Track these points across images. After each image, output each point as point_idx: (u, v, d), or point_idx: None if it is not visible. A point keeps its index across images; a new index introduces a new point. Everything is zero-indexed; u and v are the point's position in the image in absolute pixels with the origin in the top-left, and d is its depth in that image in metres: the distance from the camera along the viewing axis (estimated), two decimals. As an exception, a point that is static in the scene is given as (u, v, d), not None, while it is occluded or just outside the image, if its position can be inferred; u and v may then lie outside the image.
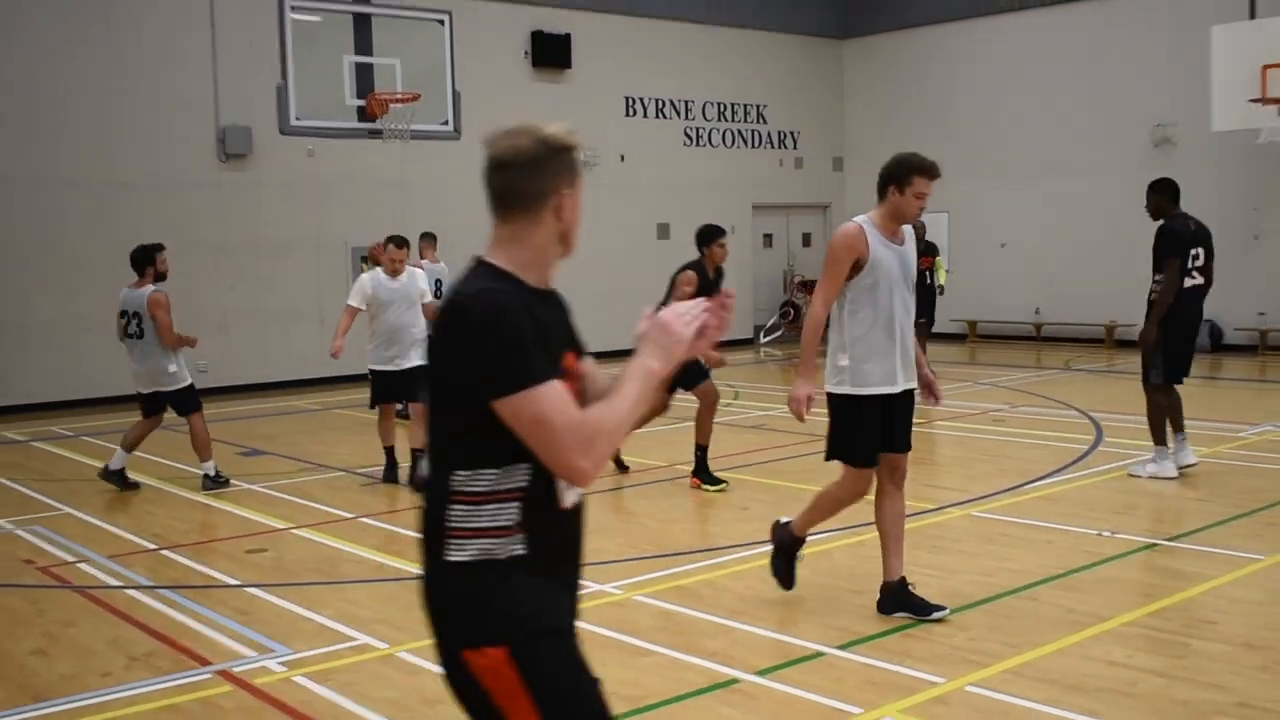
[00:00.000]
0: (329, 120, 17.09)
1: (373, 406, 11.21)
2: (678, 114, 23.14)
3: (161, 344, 10.73)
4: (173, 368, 10.82)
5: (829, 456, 6.85)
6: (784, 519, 7.16)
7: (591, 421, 2.75)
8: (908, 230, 6.73)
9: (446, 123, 17.32)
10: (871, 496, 6.80)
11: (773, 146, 24.65)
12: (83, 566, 8.38)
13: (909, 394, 6.74)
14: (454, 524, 2.81)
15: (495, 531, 2.80)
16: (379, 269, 11.11)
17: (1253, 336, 20.10)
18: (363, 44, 17.31)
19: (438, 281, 15.90)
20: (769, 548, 7.23)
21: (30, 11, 16.44)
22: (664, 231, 22.86)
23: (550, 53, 21.06)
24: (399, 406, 11.99)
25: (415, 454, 10.78)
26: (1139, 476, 10.25)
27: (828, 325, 6.70)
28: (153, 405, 10.95)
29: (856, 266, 6.50)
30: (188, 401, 10.97)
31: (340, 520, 9.56)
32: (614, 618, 6.84)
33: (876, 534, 6.86)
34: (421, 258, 15.94)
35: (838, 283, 6.55)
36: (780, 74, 24.50)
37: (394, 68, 17.15)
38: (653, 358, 2.92)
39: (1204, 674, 5.73)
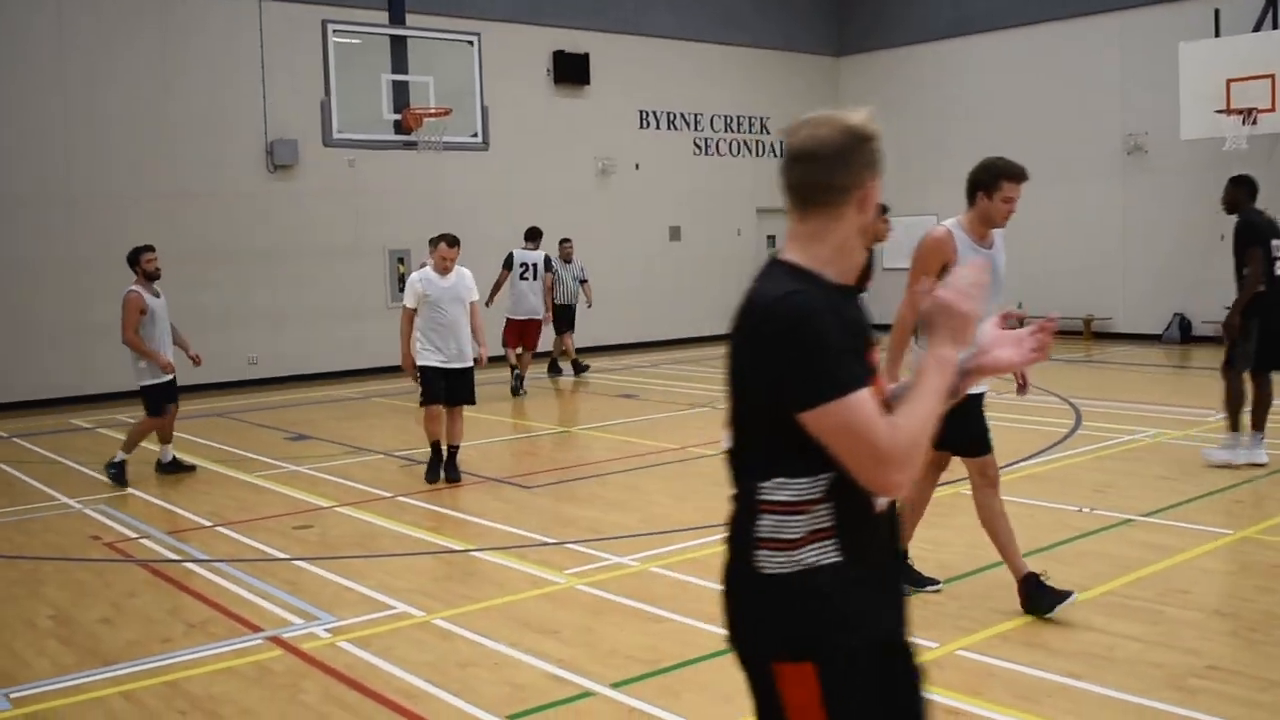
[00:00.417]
0: (368, 133, 17.02)
1: (424, 404, 10.23)
2: (688, 125, 23.06)
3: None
4: (141, 364, 10.50)
5: (952, 448, 6.47)
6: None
7: (902, 431, 2.38)
8: (998, 234, 6.33)
9: (476, 135, 17.24)
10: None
11: (775, 155, 24.53)
12: (144, 542, 8.38)
13: (979, 398, 6.44)
14: (764, 534, 2.48)
15: (807, 540, 2.45)
16: (428, 267, 10.35)
17: (1218, 329, 19.93)
18: (399, 63, 17.23)
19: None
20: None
21: (94, 38, 16.44)
22: (675, 234, 22.81)
23: (570, 70, 21.03)
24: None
25: (440, 448, 10.21)
26: (1211, 461, 9.72)
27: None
28: None
29: (943, 270, 6.00)
30: (145, 402, 10.61)
31: (379, 499, 9.54)
32: (632, 587, 6.80)
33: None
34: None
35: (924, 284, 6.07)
36: (782, 88, 24.40)
37: (428, 85, 17.07)
38: (943, 344, 2.53)
39: (1177, 639, 5.67)
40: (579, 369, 17.75)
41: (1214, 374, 16.98)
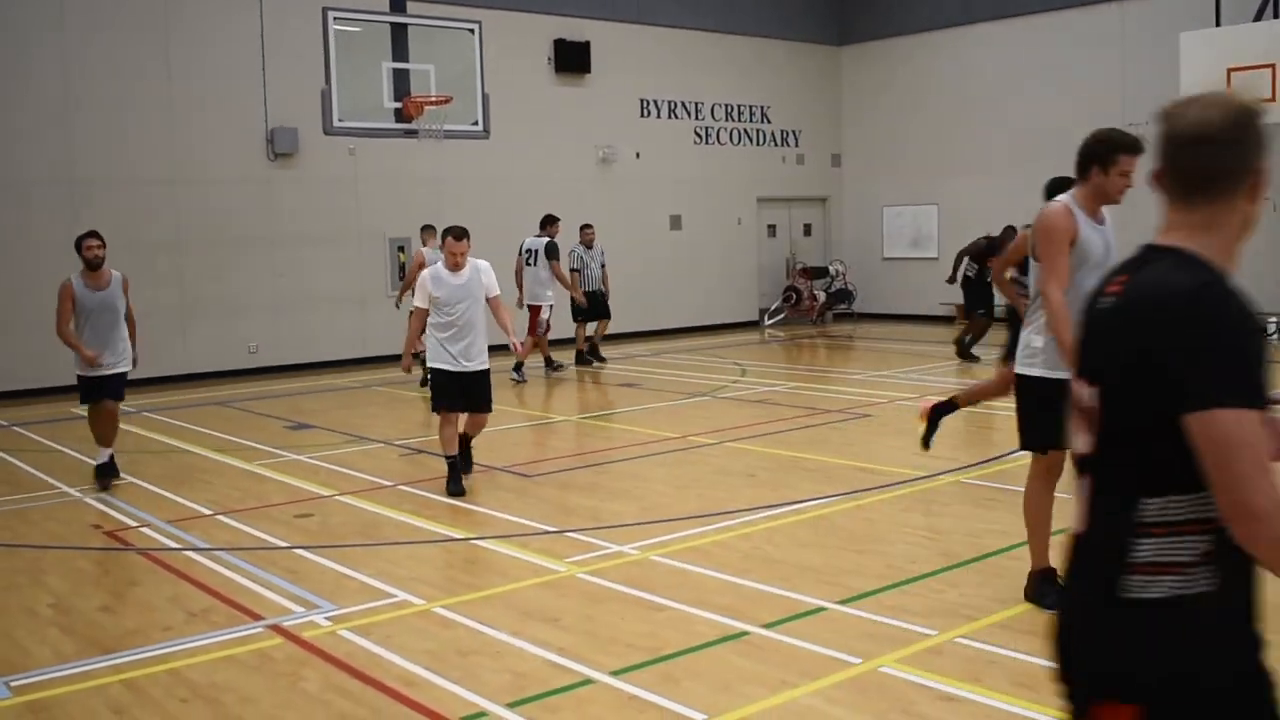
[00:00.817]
0: (369, 121, 17.03)
1: (436, 410, 9.34)
2: (688, 114, 23.02)
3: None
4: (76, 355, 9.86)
5: (1023, 445, 6.17)
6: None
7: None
8: (1107, 211, 5.96)
9: (477, 123, 17.23)
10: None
11: (775, 144, 24.50)
12: (145, 531, 8.38)
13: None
14: (1141, 559, 2.21)
15: (1183, 566, 2.19)
16: (439, 264, 9.38)
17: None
18: (399, 51, 17.22)
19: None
20: (780, 509, 7.15)
21: (94, 24, 16.41)
22: (676, 223, 22.78)
23: (571, 58, 20.98)
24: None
25: (458, 462, 9.36)
26: None
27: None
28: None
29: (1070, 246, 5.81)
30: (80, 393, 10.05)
31: (380, 488, 9.54)
32: (632, 576, 6.80)
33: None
34: (424, 246, 15.97)
35: (1065, 262, 5.77)
36: (782, 77, 24.37)
37: (428, 73, 17.06)
38: None
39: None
40: (593, 358, 17.58)
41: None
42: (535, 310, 16.21)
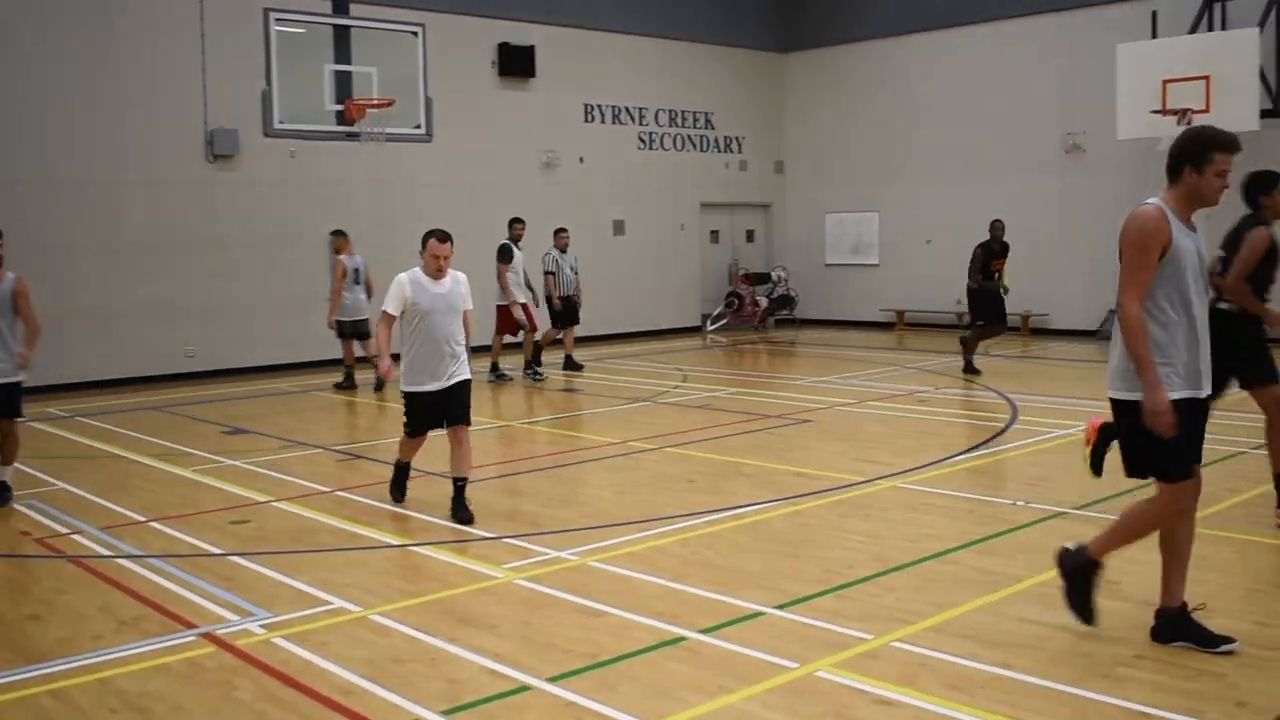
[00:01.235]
0: (310, 124, 16.89)
1: (413, 435, 8.73)
2: (632, 120, 23.05)
3: None
4: None
5: (1133, 473, 5.56)
6: (1071, 545, 5.87)
7: None
8: (1198, 216, 5.51)
9: (419, 127, 17.12)
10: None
11: (719, 150, 24.60)
12: (76, 538, 8.24)
13: (1206, 403, 5.46)
14: None
15: None
16: (418, 269, 8.49)
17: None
18: (342, 53, 17.09)
19: (356, 270, 15.89)
20: (719, 515, 7.18)
21: (35, 26, 16.15)
22: (619, 228, 22.82)
23: (515, 63, 20.95)
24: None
25: (407, 467, 8.99)
26: None
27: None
28: None
29: (1159, 255, 5.29)
30: None
31: (318, 494, 9.46)
32: (570, 582, 6.79)
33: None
34: (338, 253, 15.91)
35: (1149, 274, 5.26)
36: (727, 84, 24.48)
37: (371, 75, 16.96)
38: None
39: (1108, 629, 5.75)
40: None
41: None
42: (516, 309, 16.23)
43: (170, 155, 17.34)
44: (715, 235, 24.94)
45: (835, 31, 24.54)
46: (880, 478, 9.47)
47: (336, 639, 5.96)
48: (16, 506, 9.21)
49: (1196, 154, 5.33)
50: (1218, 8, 18.99)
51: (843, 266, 24.72)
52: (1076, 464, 9.87)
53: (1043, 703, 4.93)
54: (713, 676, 5.30)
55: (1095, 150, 20.49)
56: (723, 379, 16.44)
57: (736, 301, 24.17)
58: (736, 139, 24.86)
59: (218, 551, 7.74)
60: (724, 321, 24.12)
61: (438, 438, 8.83)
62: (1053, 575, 6.49)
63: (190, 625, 6.21)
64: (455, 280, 8.57)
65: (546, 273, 17.07)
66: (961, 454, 10.41)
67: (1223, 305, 7.56)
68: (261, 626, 6.17)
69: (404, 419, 8.75)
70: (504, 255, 16.30)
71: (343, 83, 16.45)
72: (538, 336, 16.67)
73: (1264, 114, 17.82)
